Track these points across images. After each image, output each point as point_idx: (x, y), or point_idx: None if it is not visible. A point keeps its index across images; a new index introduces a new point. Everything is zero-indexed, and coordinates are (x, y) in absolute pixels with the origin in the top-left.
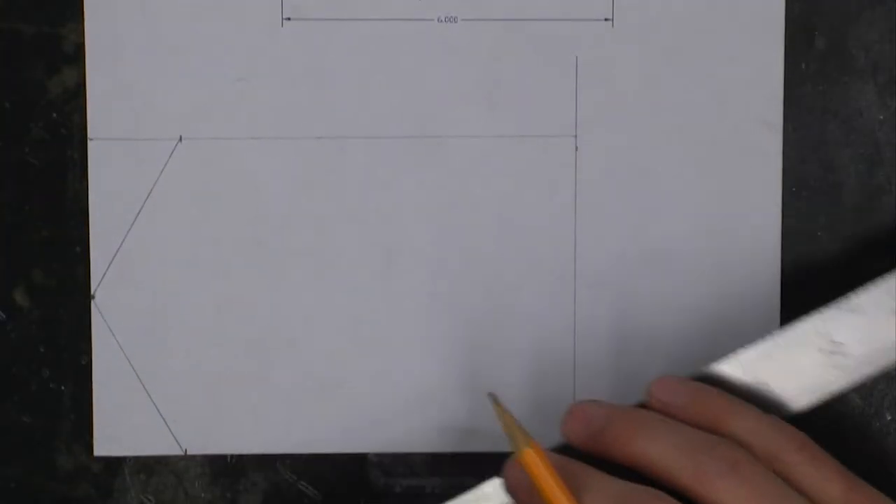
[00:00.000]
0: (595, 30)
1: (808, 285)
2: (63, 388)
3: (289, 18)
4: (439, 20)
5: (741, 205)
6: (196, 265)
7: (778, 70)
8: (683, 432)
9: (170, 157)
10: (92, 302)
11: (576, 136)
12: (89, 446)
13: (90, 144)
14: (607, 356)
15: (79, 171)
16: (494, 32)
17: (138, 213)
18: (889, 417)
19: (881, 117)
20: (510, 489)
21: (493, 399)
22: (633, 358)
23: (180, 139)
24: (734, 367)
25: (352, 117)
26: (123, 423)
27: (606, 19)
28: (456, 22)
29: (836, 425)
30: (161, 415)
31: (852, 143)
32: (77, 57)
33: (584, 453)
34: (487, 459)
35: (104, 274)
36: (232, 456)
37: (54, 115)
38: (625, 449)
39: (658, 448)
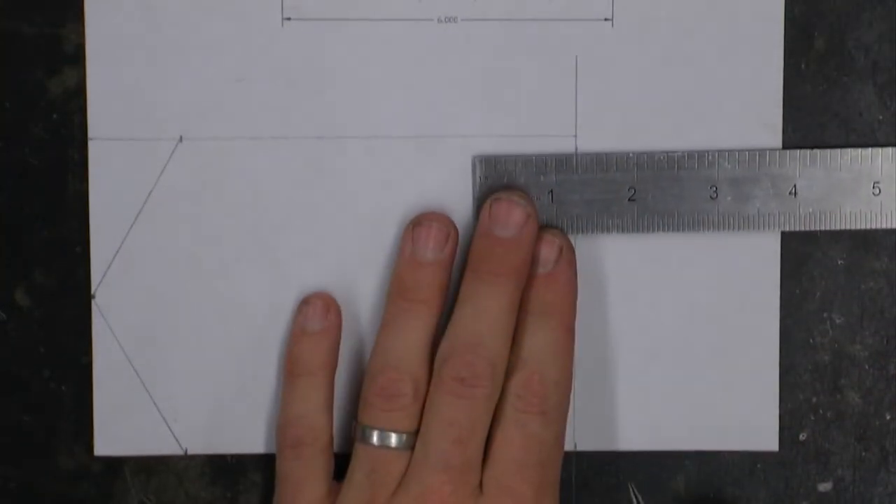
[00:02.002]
0: (595, 30)
1: (808, 285)
2: (63, 388)
3: (289, 18)
4: (439, 20)
5: None
6: (196, 265)
7: (778, 70)
8: None
9: (170, 157)
10: (92, 302)
11: (576, 136)
12: (89, 446)
13: (90, 144)
14: (606, 355)
15: (79, 171)
16: (494, 32)
17: (138, 213)
18: (888, 416)
19: (881, 117)
20: None
21: None
22: (632, 358)
23: (180, 139)
24: None
25: (352, 117)
26: (123, 423)
27: (606, 19)
28: (456, 22)
29: (836, 425)
30: (161, 415)
31: (852, 144)
32: (77, 57)
33: None
34: None
35: (104, 274)
36: (232, 456)
37: (54, 115)
38: None
39: None
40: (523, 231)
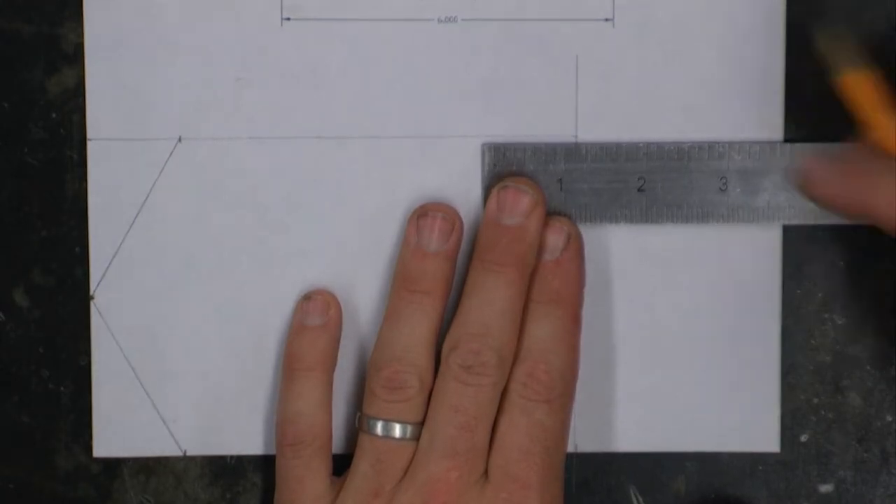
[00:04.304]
0: (595, 30)
1: (809, 285)
2: (63, 388)
3: (288, 18)
4: (439, 20)
5: None
6: (196, 265)
7: (779, 70)
8: None
9: (169, 157)
10: (92, 302)
11: (576, 136)
12: (89, 447)
13: (90, 144)
14: (607, 355)
15: (78, 171)
16: (494, 32)
17: (138, 213)
18: (889, 418)
19: None
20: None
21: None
22: (633, 358)
23: (180, 139)
24: None
25: (352, 117)
26: (123, 424)
27: (606, 19)
28: (456, 22)
29: (837, 426)
30: (161, 415)
31: None
32: (77, 57)
33: None
34: None
35: (104, 274)
36: (232, 456)
37: (54, 115)
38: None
39: None
40: (530, 219)
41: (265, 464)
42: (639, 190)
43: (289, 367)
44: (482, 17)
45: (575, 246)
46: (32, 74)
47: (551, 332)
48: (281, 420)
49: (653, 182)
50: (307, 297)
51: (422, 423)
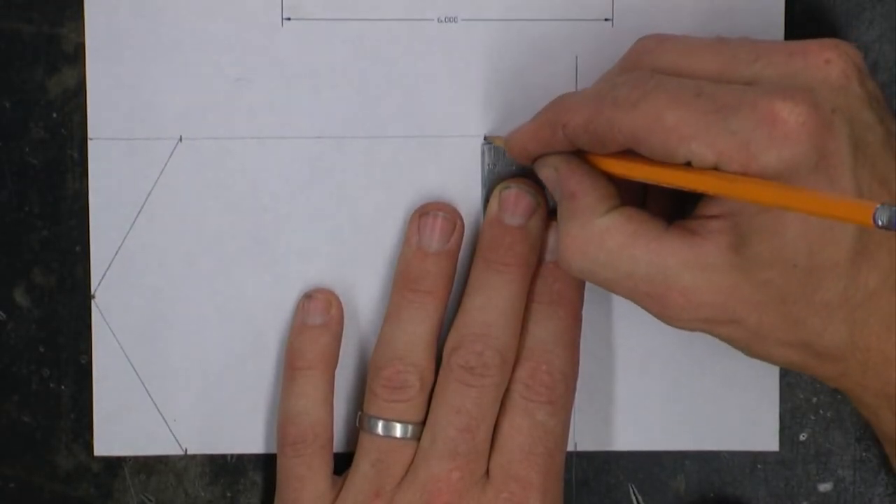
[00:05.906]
0: (595, 30)
1: None
2: (63, 387)
3: (289, 18)
4: (439, 20)
5: None
6: (196, 265)
7: None
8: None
9: (170, 157)
10: (92, 302)
11: None
12: (89, 446)
13: (90, 144)
14: (607, 355)
15: (79, 170)
16: (494, 32)
17: (138, 213)
18: None
19: None
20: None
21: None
22: (633, 358)
23: (180, 139)
24: None
25: (352, 117)
26: (123, 423)
27: (606, 19)
28: (456, 22)
29: (836, 425)
30: (161, 415)
31: None
32: (77, 57)
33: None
34: None
35: (104, 274)
36: (232, 456)
37: (54, 115)
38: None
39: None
40: (532, 220)
41: (266, 462)
42: None
43: (290, 365)
44: (482, 17)
45: None
46: (33, 74)
47: (553, 333)
48: (282, 419)
49: None
50: (308, 296)
51: (422, 423)
